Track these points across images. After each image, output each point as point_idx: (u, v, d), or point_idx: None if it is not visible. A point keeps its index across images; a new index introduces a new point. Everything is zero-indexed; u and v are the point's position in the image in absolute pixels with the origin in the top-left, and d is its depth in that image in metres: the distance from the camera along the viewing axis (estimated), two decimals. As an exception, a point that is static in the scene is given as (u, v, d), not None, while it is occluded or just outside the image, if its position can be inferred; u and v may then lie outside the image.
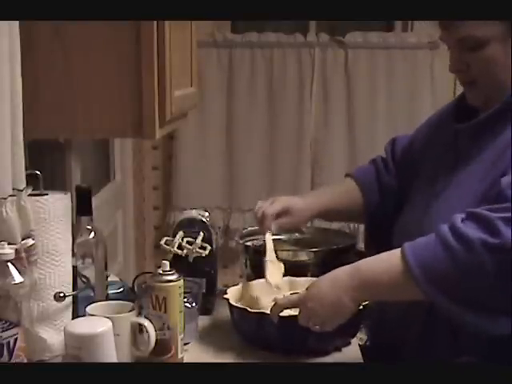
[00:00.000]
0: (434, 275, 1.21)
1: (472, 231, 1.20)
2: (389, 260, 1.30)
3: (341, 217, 1.94)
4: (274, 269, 1.61)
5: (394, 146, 1.76)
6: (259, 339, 1.50)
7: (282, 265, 1.63)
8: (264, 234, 1.67)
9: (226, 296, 1.58)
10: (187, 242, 1.64)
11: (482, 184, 1.34)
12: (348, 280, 1.32)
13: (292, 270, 1.75)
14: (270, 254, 1.63)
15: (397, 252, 1.27)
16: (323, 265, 1.77)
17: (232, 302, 1.55)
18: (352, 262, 1.71)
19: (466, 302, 1.22)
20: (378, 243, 1.63)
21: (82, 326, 1.26)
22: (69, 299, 1.33)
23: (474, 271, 1.19)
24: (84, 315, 1.34)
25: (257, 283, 1.64)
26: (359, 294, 1.32)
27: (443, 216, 1.31)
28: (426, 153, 1.60)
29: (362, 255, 1.98)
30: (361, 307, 1.47)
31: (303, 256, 1.83)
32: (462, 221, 1.23)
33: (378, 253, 1.38)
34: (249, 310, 1.49)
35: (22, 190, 1.23)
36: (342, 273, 1.34)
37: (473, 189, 1.36)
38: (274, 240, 1.67)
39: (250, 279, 1.74)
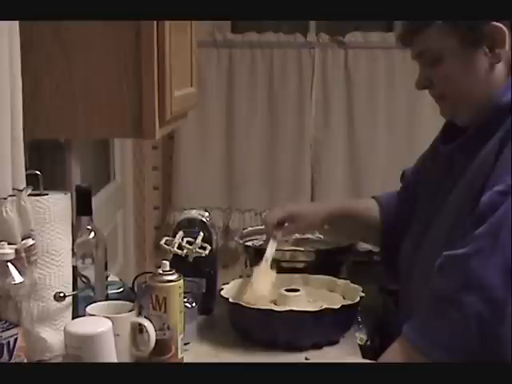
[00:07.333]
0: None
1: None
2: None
3: (352, 227, 1.79)
4: (263, 278, 1.61)
5: (403, 178, 1.69)
6: (254, 334, 1.53)
7: (274, 274, 1.63)
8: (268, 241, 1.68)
9: (221, 293, 1.60)
10: (187, 242, 1.64)
11: (467, 207, 1.28)
12: None
13: (292, 269, 1.76)
14: (264, 264, 1.64)
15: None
16: (323, 265, 1.77)
17: (229, 298, 1.56)
18: (352, 262, 1.72)
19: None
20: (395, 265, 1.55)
21: (82, 325, 1.26)
22: (69, 299, 1.33)
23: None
24: (84, 315, 1.34)
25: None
26: None
27: (432, 250, 1.31)
28: (423, 180, 1.55)
29: (361, 255, 1.98)
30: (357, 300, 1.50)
31: (303, 256, 1.83)
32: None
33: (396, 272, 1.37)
34: (242, 304, 1.52)
35: (22, 190, 1.23)
36: None
37: (460, 213, 1.31)
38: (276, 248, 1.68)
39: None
